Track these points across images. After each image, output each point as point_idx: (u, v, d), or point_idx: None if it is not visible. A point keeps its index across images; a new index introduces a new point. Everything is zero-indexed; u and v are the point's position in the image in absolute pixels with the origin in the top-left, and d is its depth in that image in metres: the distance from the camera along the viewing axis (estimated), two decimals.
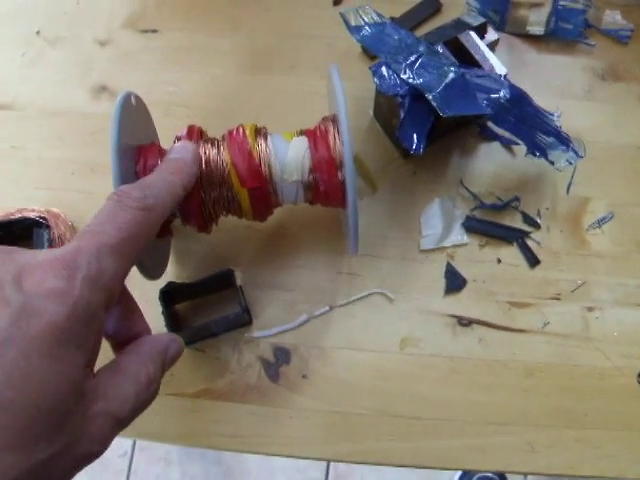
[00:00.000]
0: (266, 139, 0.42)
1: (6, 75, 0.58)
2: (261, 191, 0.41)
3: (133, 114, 0.42)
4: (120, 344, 0.32)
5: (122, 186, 0.31)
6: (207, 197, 0.41)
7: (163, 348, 0.31)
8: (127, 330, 0.32)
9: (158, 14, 0.60)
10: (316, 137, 0.42)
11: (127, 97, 0.41)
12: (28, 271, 0.25)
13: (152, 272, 0.42)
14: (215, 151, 0.41)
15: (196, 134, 0.42)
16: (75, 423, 0.24)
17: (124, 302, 0.33)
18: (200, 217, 0.42)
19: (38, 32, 0.60)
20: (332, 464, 1.20)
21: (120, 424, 0.27)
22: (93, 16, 0.60)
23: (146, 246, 0.30)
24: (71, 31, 0.60)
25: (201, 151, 0.41)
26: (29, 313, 0.23)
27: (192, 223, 0.43)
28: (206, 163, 0.40)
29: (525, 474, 0.46)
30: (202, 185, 0.41)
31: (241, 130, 0.42)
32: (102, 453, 0.26)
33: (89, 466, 0.26)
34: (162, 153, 0.42)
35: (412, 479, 1.16)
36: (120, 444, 1.22)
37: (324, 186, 0.42)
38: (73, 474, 0.26)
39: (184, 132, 0.42)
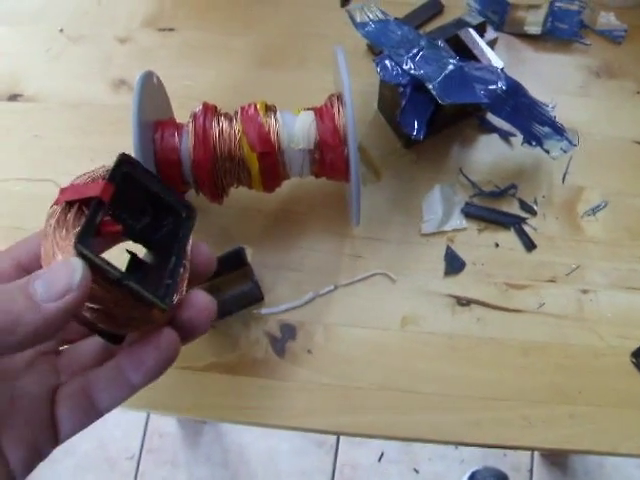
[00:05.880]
0: (275, 113, 0.45)
1: (31, 69, 0.62)
2: (270, 158, 0.45)
3: (152, 92, 0.46)
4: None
5: None
6: (219, 165, 0.45)
7: None
8: None
9: (175, 14, 0.64)
10: (322, 111, 0.45)
11: (149, 74, 0.45)
12: None
13: None
14: (228, 123, 0.44)
15: (211, 110, 0.45)
16: None
17: None
18: (212, 185, 0.45)
19: (61, 30, 0.63)
20: (337, 470, 1.21)
21: None
22: (113, 15, 0.64)
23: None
24: (92, 29, 0.63)
25: (215, 123, 0.44)
26: None
27: (205, 191, 0.46)
28: (220, 134, 0.44)
29: (521, 448, 0.48)
30: (215, 154, 0.44)
31: (253, 105, 0.46)
32: None
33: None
34: (179, 127, 0.45)
35: None
36: (128, 447, 1.23)
37: (329, 156, 0.45)
38: None
39: (200, 108, 0.46)
